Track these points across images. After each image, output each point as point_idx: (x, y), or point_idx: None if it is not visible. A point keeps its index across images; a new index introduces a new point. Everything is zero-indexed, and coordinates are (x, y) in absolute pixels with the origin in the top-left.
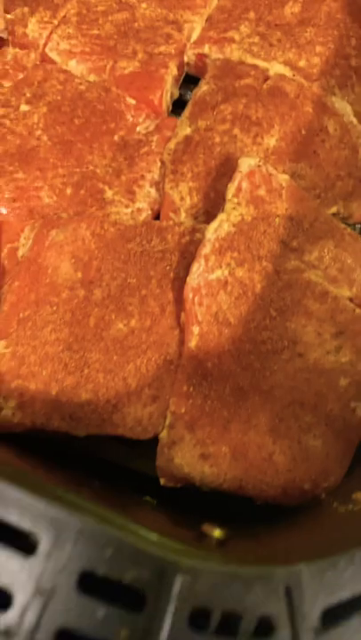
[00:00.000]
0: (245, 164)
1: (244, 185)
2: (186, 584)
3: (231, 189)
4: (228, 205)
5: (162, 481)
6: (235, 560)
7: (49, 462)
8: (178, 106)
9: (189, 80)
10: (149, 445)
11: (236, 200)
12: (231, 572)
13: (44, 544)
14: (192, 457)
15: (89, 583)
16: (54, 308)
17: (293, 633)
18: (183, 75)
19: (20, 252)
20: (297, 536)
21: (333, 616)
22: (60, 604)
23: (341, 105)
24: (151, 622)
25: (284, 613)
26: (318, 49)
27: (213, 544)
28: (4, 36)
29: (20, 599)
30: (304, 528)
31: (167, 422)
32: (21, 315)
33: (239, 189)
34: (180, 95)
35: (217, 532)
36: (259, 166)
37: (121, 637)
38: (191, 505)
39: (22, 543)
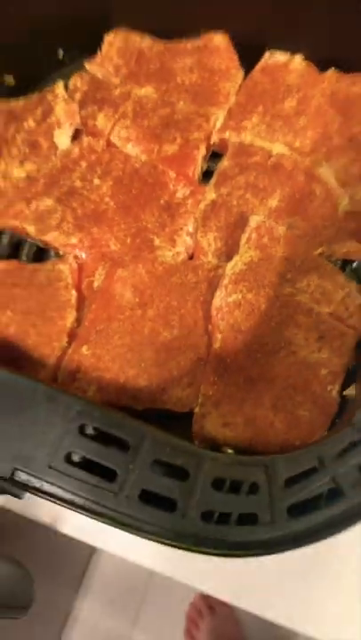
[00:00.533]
0: (254, 220)
1: (253, 235)
2: (211, 465)
3: (244, 238)
4: (241, 250)
5: (196, 442)
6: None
7: None
8: (206, 175)
9: (214, 155)
10: (187, 420)
11: (247, 246)
12: (236, 459)
13: (133, 445)
14: (217, 425)
15: (157, 465)
16: (120, 323)
17: (270, 491)
18: (210, 152)
19: (95, 284)
20: None
21: (291, 482)
22: (142, 477)
23: (326, 174)
24: (191, 486)
25: (265, 480)
26: (309, 133)
27: None
28: (80, 127)
29: (120, 475)
30: None
31: (199, 401)
32: (98, 328)
33: (249, 238)
34: (208, 167)
35: (230, 451)
36: (264, 222)
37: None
38: None
39: (122, 444)
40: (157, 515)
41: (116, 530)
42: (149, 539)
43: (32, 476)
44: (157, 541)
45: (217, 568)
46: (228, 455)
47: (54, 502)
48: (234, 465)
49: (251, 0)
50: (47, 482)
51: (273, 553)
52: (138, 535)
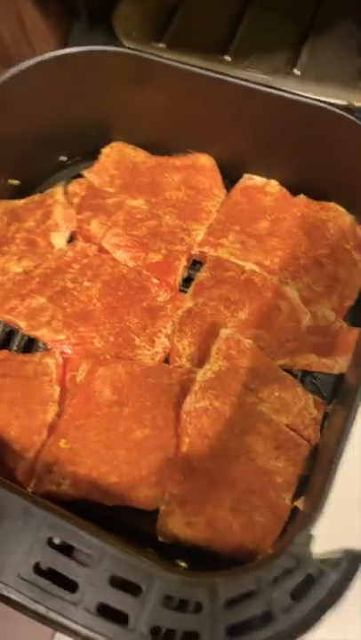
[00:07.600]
0: (224, 333)
1: (223, 347)
2: (162, 583)
3: (214, 349)
4: (211, 359)
5: (160, 538)
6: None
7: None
8: (186, 280)
9: (195, 262)
10: (153, 516)
11: (216, 356)
12: (184, 579)
13: (95, 559)
14: (180, 524)
15: (114, 580)
16: (98, 419)
17: (212, 611)
18: (191, 262)
19: (77, 379)
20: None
21: (231, 603)
22: (100, 589)
23: (292, 292)
24: (143, 602)
25: (208, 602)
26: (279, 253)
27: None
28: (76, 229)
29: (81, 587)
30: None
31: (165, 499)
32: (76, 422)
33: (219, 349)
34: (189, 274)
35: (183, 564)
36: (232, 335)
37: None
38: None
39: (87, 557)
40: (111, 628)
41: None
42: None
43: (2, 583)
44: None
45: None
46: (178, 570)
47: (20, 611)
48: (182, 584)
49: (233, 130)
50: (16, 591)
51: None
52: None
